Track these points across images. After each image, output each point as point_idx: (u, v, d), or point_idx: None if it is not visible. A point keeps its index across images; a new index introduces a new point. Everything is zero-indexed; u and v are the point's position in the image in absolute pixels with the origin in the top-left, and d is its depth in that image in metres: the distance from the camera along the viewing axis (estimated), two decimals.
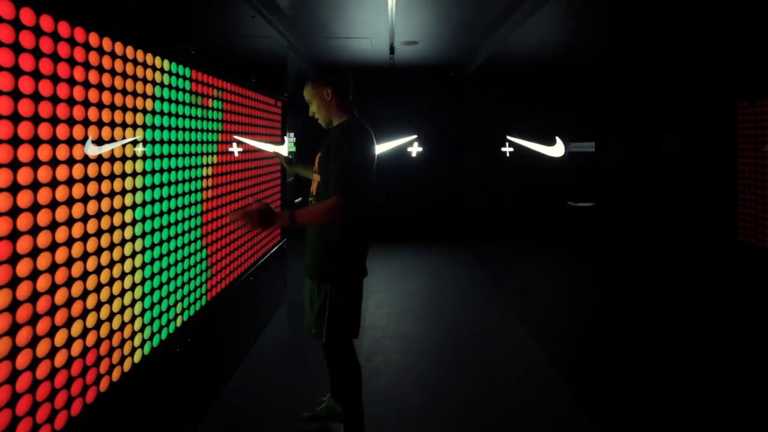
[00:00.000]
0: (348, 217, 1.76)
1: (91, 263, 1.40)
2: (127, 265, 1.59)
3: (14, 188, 1.13)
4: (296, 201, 4.47)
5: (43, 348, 1.22)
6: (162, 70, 1.84)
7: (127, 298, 1.59)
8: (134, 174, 1.63)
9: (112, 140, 1.50)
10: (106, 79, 1.48)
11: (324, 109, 1.91)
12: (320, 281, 1.86)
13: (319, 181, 1.87)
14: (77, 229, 1.34)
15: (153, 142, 1.75)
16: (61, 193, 1.28)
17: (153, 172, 1.76)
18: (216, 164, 2.37)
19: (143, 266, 1.69)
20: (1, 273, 1.10)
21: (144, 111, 1.70)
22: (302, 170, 2.34)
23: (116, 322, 1.53)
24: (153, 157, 1.76)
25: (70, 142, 1.31)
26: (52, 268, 1.25)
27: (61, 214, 1.28)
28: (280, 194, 3.70)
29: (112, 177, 1.50)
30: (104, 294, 1.46)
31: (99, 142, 1.43)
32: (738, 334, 1.47)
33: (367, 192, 1.83)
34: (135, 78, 1.64)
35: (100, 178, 1.44)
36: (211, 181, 2.32)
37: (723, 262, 1.56)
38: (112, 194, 1.50)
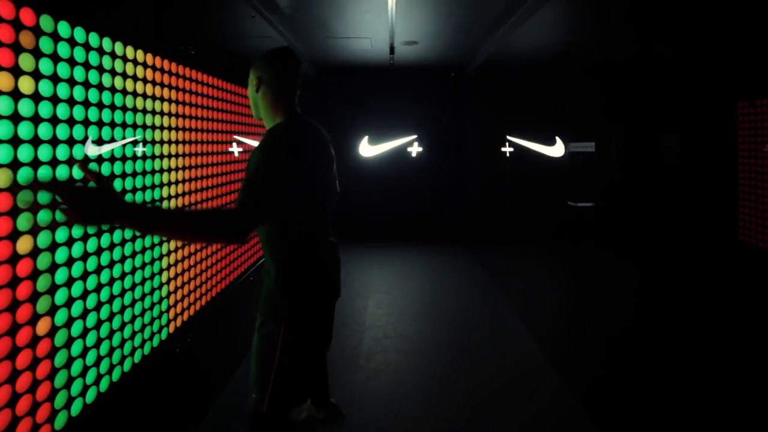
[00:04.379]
0: (292, 239, 1.38)
1: (92, 263, 1.41)
2: (127, 265, 1.59)
3: (14, 188, 1.13)
4: None
5: (43, 348, 1.22)
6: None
7: (127, 298, 1.59)
8: (134, 174, 1.63)
9: (112, 140, 1.50)
10: (106, 79, 1.48)
11: (253, 106, 1.47)
12: (268, 319, 1.48)
13: None
14: (77, 229, 1.34)
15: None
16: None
17: (153, 172, 1.76)
18: (218, 163, 2.37)
19: (143, 266, 1.70)
20: (1, 273, 1.10)
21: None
22: None
23: (116, 322, 1.53)
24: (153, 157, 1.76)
25: (70, 142, 1.32)
26: (52, 268, 1.25)
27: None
28: None
29: (111, 177, 1.50)
30: (104, 294, 1.46)
31: (99, 142, 1.44)
32: (738, 334, 1.47)
33: (304, 206, 1.39)
34: (135, 78, 1.64)
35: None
36: (212, 181, 2.32)
37: (723, 262, 1.56)
38: None
